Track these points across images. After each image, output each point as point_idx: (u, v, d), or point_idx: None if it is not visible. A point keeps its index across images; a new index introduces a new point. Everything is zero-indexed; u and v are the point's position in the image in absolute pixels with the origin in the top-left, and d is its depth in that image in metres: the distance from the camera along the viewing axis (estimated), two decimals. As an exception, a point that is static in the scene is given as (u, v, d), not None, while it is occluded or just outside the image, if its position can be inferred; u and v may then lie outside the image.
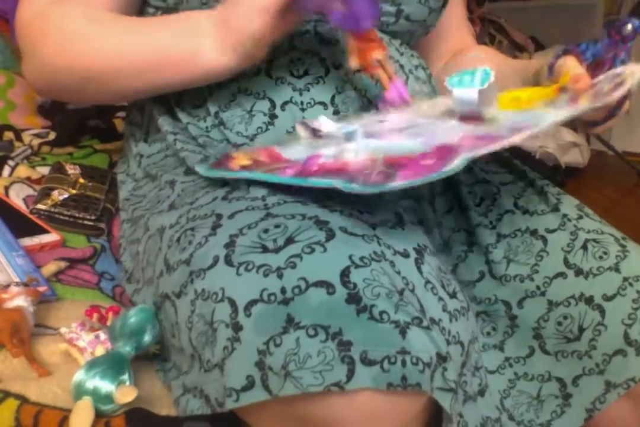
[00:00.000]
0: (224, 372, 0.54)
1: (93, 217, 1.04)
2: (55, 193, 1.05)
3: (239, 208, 0.63)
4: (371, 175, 0.56)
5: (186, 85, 0.78)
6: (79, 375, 0.62)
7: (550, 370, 0.73)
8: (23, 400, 0.64)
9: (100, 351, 0.68)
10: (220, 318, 0.55)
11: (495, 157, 0.93)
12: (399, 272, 0.57)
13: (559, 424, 0.71)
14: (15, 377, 0.67)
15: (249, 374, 0.52)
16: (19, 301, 0.71)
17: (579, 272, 0.74)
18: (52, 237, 0.96)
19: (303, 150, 0.66)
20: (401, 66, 0.86)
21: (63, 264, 0.90)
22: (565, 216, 0.79)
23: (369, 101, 0.80)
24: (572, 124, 0.82)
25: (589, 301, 0.72)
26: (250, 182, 0.67)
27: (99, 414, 0.61)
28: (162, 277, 0.67)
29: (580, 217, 0.79)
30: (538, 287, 0.75)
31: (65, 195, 1.05)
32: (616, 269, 0.73)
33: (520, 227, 0.80)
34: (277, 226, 0.58)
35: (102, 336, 0.70)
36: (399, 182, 0.53)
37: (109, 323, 0.76)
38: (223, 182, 0.71)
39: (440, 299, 0.60)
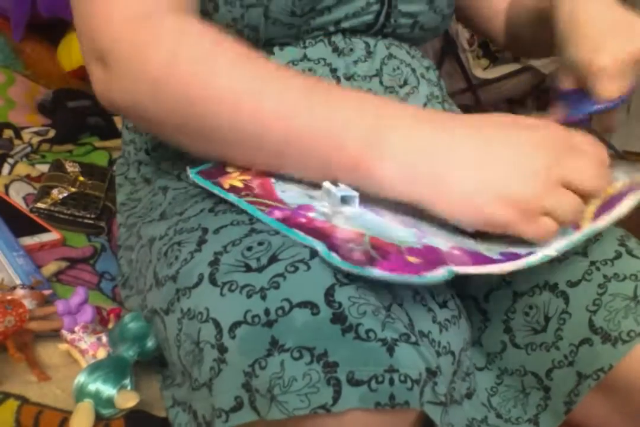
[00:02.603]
0: (212, 393, 0.54)
1: (93, 216, 1.04)
2: (55, 191, 1.05)
3: (224, 222, 0.62)
4: (354, 252, 0.54)
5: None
6: (81, 377, 0.62)
7: (524, 365, 0.71)
8: (23, 401, 0.64)
9: (101, 354, 0.68)
10: (206, 339, 0.54)
11: None
12: (386, 286, 0.55)
13: (545, 418, 0.70)
14: (16, 378, 0.67)
15: (237, 395, 0.52)
16: (25, 303, 0.71)
17: None
18: (52, 236, 0.96)
19: (297, 196, 0.63)
20: (413, 70, 0.85)
21: (63, 264, 0.90)
22: None
23: None
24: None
25: (553, 288, 0.69)
26: None
27: (98, 418, 0.61)
28: (151, 290, 0.67)
29: None
30: (503, 278, 0.73)
31: (65, 194, 1.05)
32: (583, 253, 0.69)
33: None
34: (260, 243, 0.57)
35: (104, 338, 0.70)
36: (377, 272, 0.51)
37: (110, 325, 0.76)
38: (211, 192, 0.69)
39: (430, 310, 0.59)
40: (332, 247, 0.54)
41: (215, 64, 0.62)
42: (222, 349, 0.53)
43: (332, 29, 0.79)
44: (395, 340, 0.51)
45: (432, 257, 0.55)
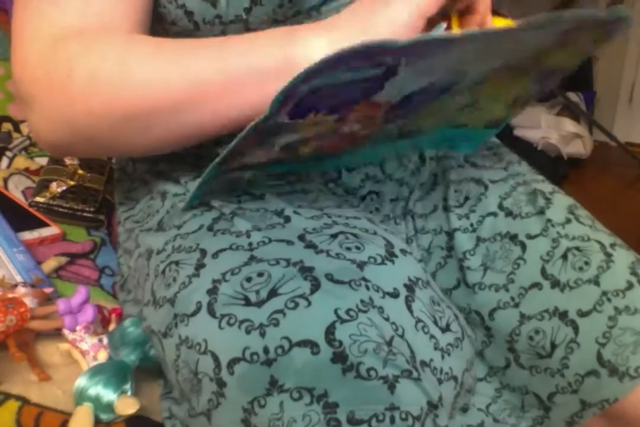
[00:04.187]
0: (212, 423, 0.54)
1: (92, 209, 1.03)
2: (53, 185, 1.04)
3: (223, 246, 0.61)
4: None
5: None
6: (82, 380, 0.62)
7: (527, 384, 0.71)
8: (24, 401, 0.64)
9: (102, 355, 0.67)
10: (204, 371, 0.54)
11: (493, 151, 0.89)
12: (387, 319, 0.55)
13: None
14: (17, 378, 0.67)
15: None
16: (26, 302, 0.70)
17: (555, 283, 0.70)
18: (52, 230, 0.95)
19: None
20: None
21: (64, 260, 0.89)
22: (549, 220, 0.74)
23: None
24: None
25: (563, 316, 0.68)
26: (234, 214, 0.65)
27: (98, 422, 0.61)
28: (148, 307, 0.66)
29: (568, 221, 0.75)
30: (512, 299, 0.72)
31: (64, 187, 1.04)
32: (595, 281, 0.68)
33: (501, 231, 0.76)
34: (260, 274, 0.56)
35: (105, 340, 0.70)
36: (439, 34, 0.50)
37: (112, 326, 0.75)
38: (209, 206, 0.69)
39: (432, 337, 0.58)
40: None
41: (136, 52, 0.62)
42: (221, 384, 0.52)
43: None
44: (396, 377, 0.51)
45: None
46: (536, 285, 0.71)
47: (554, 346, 0.68)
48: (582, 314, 0.68)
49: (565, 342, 0.68)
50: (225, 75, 0.60)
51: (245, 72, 0.60)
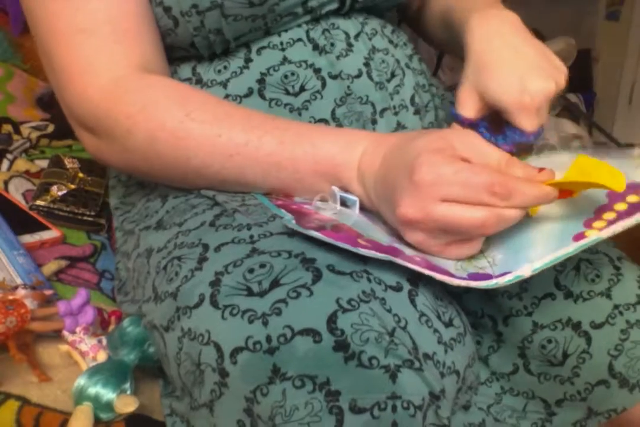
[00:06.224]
0: (214, 414, 0.54)
1: (93, 213, 1.03)
2: (54, 188, 1.04)
3: (225, 239, 0.62)
4: (312, 224, 0.58)
5: None
6: (81, 380, 0.62)
7: (534, 390, 0.72)
8: (24, 401, 0.63)
9: (102, 356, 0.68)
10: (207, 361, 0.54)
11: None
12: (389, 310, 0.55)
13: None
14: (17, 379, 0.67)
15: (239, 419, 0.52)
16: (26, 303, 0.70)
17: (568, 294, 0.70)
18: (52, 233, 0.96)
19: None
20: (397, 61, 0.83)
21: (64, 263, 0.89)
22: None
23: (373, 106, 0.78)
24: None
25: (576, 326, 0.69)
26: (236, 210, 0.66)
27: (97, 421, 0.61)
28: (149, 303, 0.66)
29: None
30: (525, 307, 0.72)
31: (64, 191, 1.04)
32: (607, 295, 0.70)
33: None
34: (262, 266, 0.57)
35: (104, 341, 0.70)
36: (317, 234, 0.55)
37: (110, 328, 0.76)
38: (211, 204, 0.70)
39: (436, 331, 0.58)
40: (298, 220, 0.58)
41: (192, 129, 0.67)
42: (224, 374, 0.53)
43: (300, 11, 0.76)
44: (398, 366, 0.51)
45: (386, 249, 0.57)
46: (550, 295, 0.71)
47: (566, 355, 0.69)
48: (595, 326, 0.69)
49: (577, 352, 0.69)
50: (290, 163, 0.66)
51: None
